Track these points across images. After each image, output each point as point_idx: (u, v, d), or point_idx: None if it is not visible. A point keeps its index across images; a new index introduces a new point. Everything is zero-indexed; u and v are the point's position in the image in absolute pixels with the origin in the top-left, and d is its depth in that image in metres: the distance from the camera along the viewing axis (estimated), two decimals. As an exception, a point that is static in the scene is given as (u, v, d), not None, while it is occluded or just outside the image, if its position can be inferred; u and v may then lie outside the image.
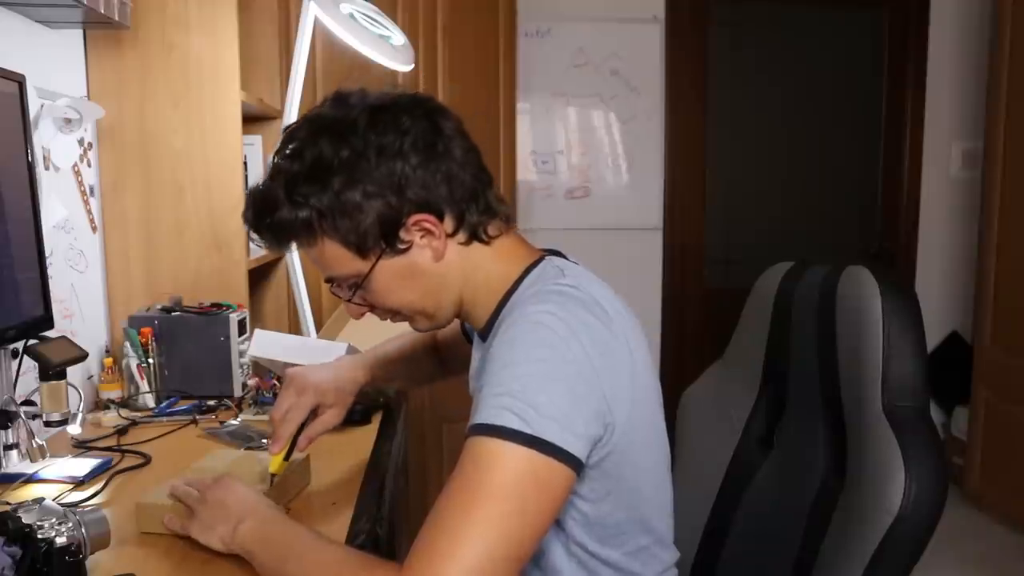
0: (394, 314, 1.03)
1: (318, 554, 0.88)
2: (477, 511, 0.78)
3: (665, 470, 1.03)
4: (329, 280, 1.00)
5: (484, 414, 0.82)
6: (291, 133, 0.95)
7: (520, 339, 0.86)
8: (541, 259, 1.02)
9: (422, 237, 0.95)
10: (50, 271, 1.43)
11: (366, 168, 0.90)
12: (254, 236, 0.98)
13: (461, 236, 0.97)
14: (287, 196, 0.92)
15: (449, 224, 0.95)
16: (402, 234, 0.94)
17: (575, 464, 0.83)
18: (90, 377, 1.74)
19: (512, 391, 0.82)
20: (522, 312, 0.89)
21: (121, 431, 1.52)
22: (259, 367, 1.74)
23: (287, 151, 0.94)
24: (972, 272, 3.53)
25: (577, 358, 0.85)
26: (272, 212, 0.93)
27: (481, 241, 0.98)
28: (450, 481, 0.82)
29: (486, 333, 1.01)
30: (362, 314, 1.04)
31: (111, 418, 1.58)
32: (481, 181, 0.98)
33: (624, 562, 0.98)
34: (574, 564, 0.96)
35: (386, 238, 0.93)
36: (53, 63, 1.68)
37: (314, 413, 1.19)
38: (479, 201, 0.97)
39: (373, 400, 1.58)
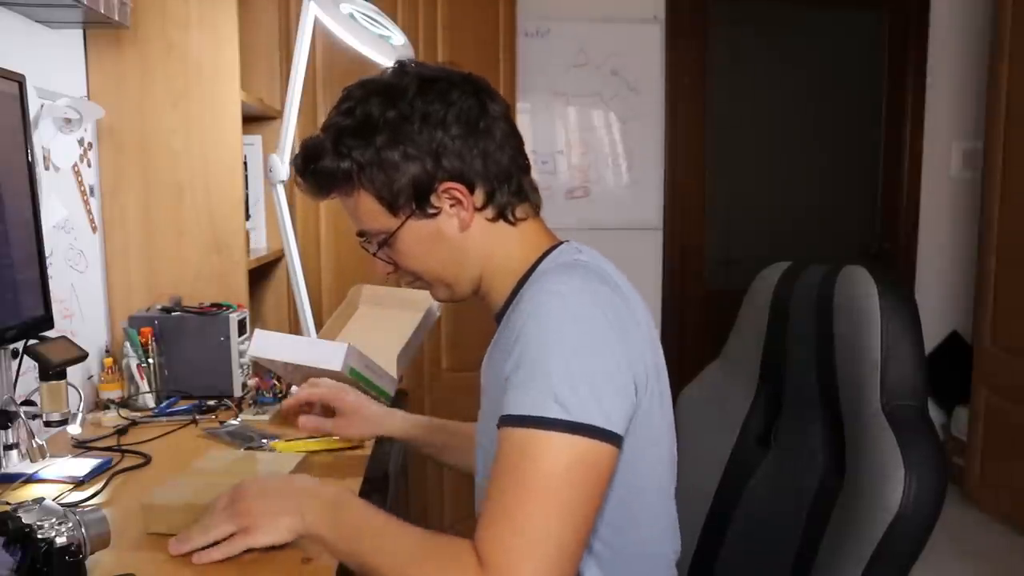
0: (416, 279, 1.06)
1: (393, 540, 0.89)
2: (539, 505, 0.81)
3: (672, 459, 1.04)
4: (360, 234, 1.05)
5: (523, 403, 0.85)
6: (348, 92, 1.01)
7: (545, 315, 0.88)
8: (561, 243, 1.05)
9: (451, 206, 0.99)
10: (50, 271, 1.43)
11: (408, 131, 0.96)
12: (299, 181, 1.04)
13: (489, 212, 1.01)
14: (333, 147, 0.98)
15: (479, 198, 0.99)
16: (433, 199, 0.98)
17: (617, 440, 0.86)
18: (90, 377, 1.74)
19: (548, 375, 0.85)
20: (541, 286, 0.91)
21: (121, 431, 1.52)
22: (259, 367, 1.74)
23: (342, 108, 1.00)
24: (972, 272, 3.53)
25: (602, 329, 0.88)
26: (317, 160, 0.99)
27: (508, 221, 1.02)
28: (501, 475, 0.84)
29: (502, 315, 1.04)
30: (387, 273, 1.07)
31: (111, 418, 1.58)
32: (517, 165, 1.02)
33: (628, 549, 0.98)
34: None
35: (417, 200, 0.98)
36: (53, 63, 1.68)
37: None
38: (511, 182, 1.01)
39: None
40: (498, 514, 0.82)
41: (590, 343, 0.87)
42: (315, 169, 1.00)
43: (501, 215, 1.01)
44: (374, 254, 1.05)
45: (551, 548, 0.81)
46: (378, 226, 1.01)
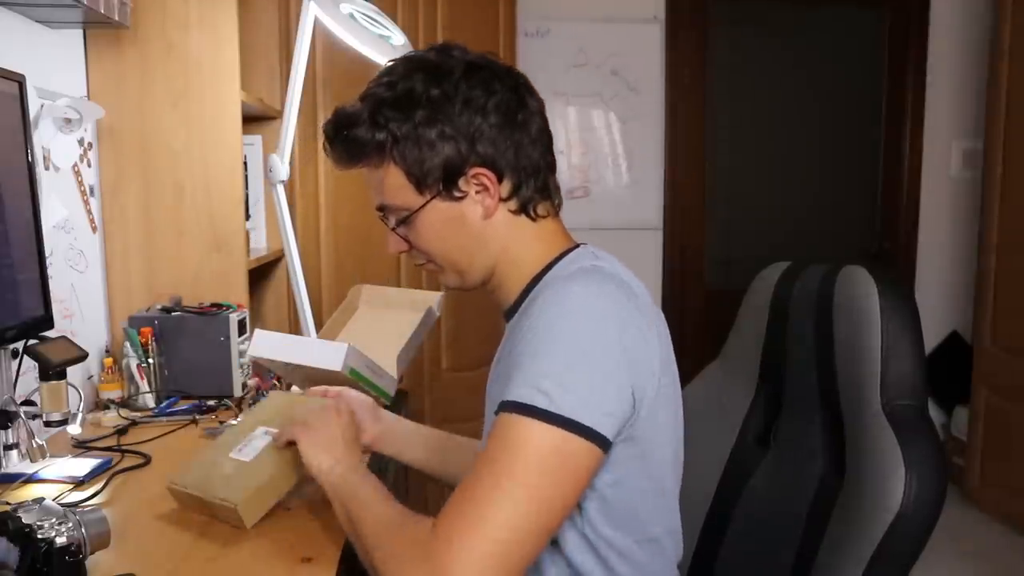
0: (428, 261, 1.06)
1: (370, 509, 0.94)
2: (503, 485, 0.82)
3: (678, 463, 1.04)
4: (380, 208, 1.04)
5: (515, 392, 0.86)
6: (390, 68, 1.00)
7: (554, 317, 0.89)
8: (577, 246, 1.05)
9: (478, 192, 0.99)
10: (50, 271, 1.43)
11: (449, 112, 0.96)
12: (327, 147, 1.03)
13: (513, 204, 1.01)
14: (370, 116, 0.97)
15: (506, 188, 1.00)
16: (461, 182, 0.98)
17: (601, 442, 0.86)
18: (90, 377, 1.74)
19: (543, 370, 0.86)
20: (555, 290, 0.92)
21: (121, 431, 1.52)
22: (259, 367, 1.74)
23: (383, 80, 0.99)
24: (972, 272, 3.52)
25: (609, 336, 0.88)
26: (351, 127, 0.99)
27: (529, 216, 1.02)
28: (481, 455, 0.86)
29: (513, 311, 1.04)
30: (400, 251, 1.07)
31: (111, 418, 1.58)
32: (546, 161, 1.03)
33: (633, 551, 0.98)
34: (584, 547, 0.97)
35: (446, 181, 0.98)
36: (53, 63, 1.68)
37: None
38: (538, 178, 1.02)
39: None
40: (464, 489, 0.84)
41: (594, 344, 0.87)
42: (348, 136, 0.99)
43: (524, 209, 1.02)
44: (392, 229, 1.04)
45: (503, 529, 0.81)
46: (401, 202, 1.01)
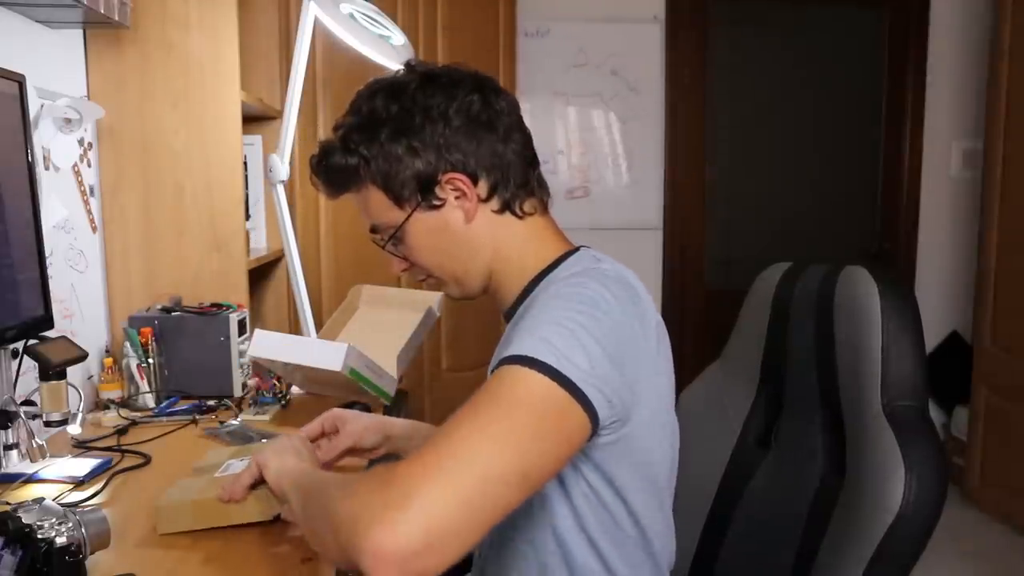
0: (428, 276, 1.08)
1: (333, 478, 0.92)
2: (493, 421, 0.78)
3: (672, 467, 1.03)
4: (373, 230, 1.07)
5: (517, 346, 0.83)
6: (356, 95, 1.04)
7: (563, 298, 0.89)
8: (578, 248, 1.05)
9: (456, 198, 1.01)
10: (50, 271, 1.43)
11: (411, 124, 0.99)
12: (313, 181, 1.08)
13: (494, 204, 1.02)
14: (342, 144, 1.02)
15: (483, 189, 1.01)
16: (437, 191, 1.00)
17: (592, 415, 0.83)
18: (90, 377, 1.74)
19: (548, 334, 0.84)
20: (559, 287, 0.92)
21: (121, 431, 1.52)
22: (259, 367, 1.74)
23: (351, 108, 1.04)
24: (972, 272, 3.52)
25: (615, 325, 0.88)
26: (328, 157, 1.03)
27: (515, 214, 1.03)
28: (474, 396, 0.82)
29: (512, 312, 1.03)
30: (401, 270, 1.10)
31: (111, 418, 1.58)
32: (524, 159, 1.03)
33: (625, 549, 0.98)
34: (577, 543, 0.97)
35: (422, 192, 1.00)
36: (53, 63, 1.68)
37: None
38: (516, 175, 1.02)
39: (373, 400, 1.58)
40: (456, 420, 0.79)
41: (601, 330, 0.86)
42: (327, 166, 1.04)
43: (507, 207, 1.02)
44: (383, 247, 1.07)
45: (485, 463, 0.75)
46: (387, 220, 1.03)
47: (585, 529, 0.96)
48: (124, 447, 1.43)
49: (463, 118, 0.99)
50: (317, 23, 1.80)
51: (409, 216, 1.01)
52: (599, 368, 0.84)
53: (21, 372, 1.32)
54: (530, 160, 1.05)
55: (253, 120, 2.18)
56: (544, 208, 1.07)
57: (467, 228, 1.02)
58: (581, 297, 0.89)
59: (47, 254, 1.40)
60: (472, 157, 0.99)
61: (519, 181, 1.02)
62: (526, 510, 0.96)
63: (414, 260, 1.06)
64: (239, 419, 1.59)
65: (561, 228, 1.08)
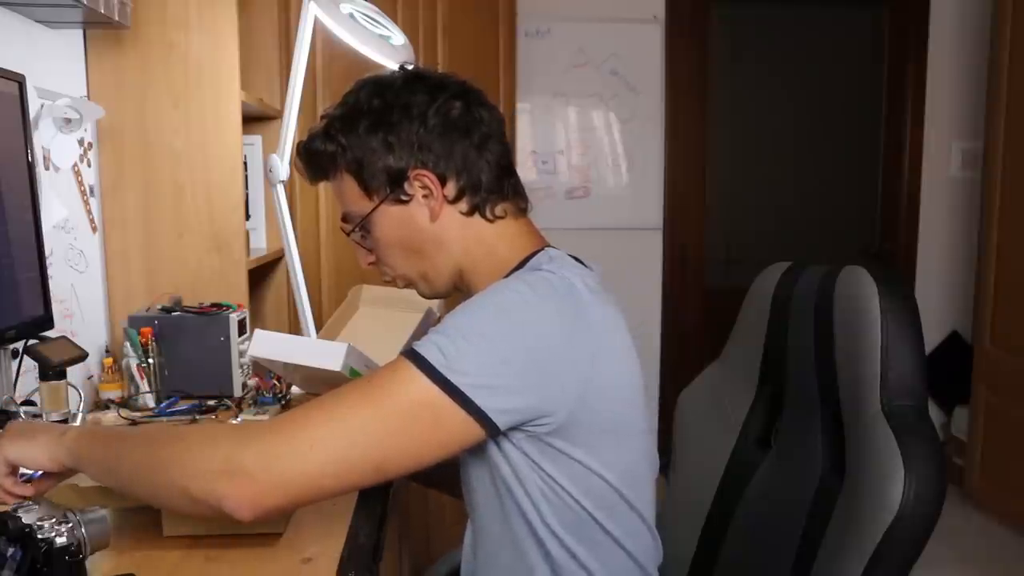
0: (396, 272, 1.11)
1: (144, 432, 0.93)
2: (365, 406, 0.86)
3: (644, 468, 1.04)
4: (344, 219, 1.11)
5: (422, 341, 0.90)
6: (348, 90, 1.08)
7: (482, 297, 0.93)
8: (542, 249, 1.06)
9: (424, 196, 1.04)
10: (50, 271, 1.43)
11: (390, 119, 1.02)
12: (296, 164, 1.13)
13: (463, 205, 1.05)
14: (324, 131, 1.06)
15: (451, 190, 1.04)
16: (406, 186, 1.03)
17: (482, 418, 0.87)
18: (90, 377, 1.74)
19: (448, 332, 0.89)
20: (486, 290, 0.96)
21: (121, 431, 1.52)
22: (259, 367, 1.74)
23: (339, 101, 1.08)
24: (972, 272, 3.52)
25: (527, 330, 0.90)
26: (310, 143, 1.08)
27: (485, 217, 1.05)
28: (371, 375, 0.91)
29: None
30: (368, 263, 1.13)
31: (111, 418, 1.58)
32: (499, 168, 1.06)
33: (595, 553, 0.99)
34: (543, 548, 0.99)
35: (391, 185, 1.04)
36: (53, 63, 1.68)
37: None
38: (489, 180, 1.05)
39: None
40: (332, 395, 0.88)
41: (509, 335, 0.89)
42: (308, 151, 1.08)
43: (476, 210, 1.05)
44: (348, 234, 1.10)
45: (339, 441, 0.85)
46: (356, 209, 1.07)
47: (555, 530, 0.98)
48: (124, 447, 1.43)
49: (440, 120, 1.02)
50: (317, 23, 1.80)
51: (376, 207, 1.05)
52: (490, 373, 0.87)
53: (21, 372, 1.33)
54: (506, 170, 1.07)
55: (253, 120, 2.18)
56: (520, 212, 1.08)
57: (432, 226, 1.05)
58: (494, 302, 0.92)
59: (47, 254, 1.40)
60: (443, 159, 1.02)
61: (490, 188, 1.05)
62: (504, 518, 0.99)
63: (380, 254, 1.09)
64: (239, 419, 1.59)
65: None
